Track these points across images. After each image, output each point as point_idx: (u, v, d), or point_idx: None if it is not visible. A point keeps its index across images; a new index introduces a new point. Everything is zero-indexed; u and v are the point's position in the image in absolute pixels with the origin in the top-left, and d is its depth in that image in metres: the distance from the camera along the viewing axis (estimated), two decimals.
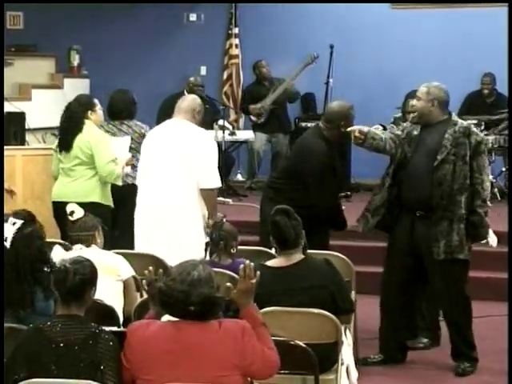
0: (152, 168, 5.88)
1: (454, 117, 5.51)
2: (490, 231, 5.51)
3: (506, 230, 6.84)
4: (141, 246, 5.80)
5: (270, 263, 4.53)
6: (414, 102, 5.66)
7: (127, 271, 4.89)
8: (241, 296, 3.51)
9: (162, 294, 3.33)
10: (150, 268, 3.65)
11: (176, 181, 5.77)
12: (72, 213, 4.99)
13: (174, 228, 5.74)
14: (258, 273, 3.57)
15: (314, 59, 10.27)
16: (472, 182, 5.37)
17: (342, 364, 4.47)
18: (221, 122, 9.98)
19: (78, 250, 4.77)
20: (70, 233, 4.99)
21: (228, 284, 3.55)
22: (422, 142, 5.48)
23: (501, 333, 5.90)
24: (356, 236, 7.82)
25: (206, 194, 5.78)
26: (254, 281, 3.53)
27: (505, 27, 10.30)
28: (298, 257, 4.46)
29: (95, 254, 4.64)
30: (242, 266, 3.56)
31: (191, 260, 3.42)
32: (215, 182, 5.83)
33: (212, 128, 9.81)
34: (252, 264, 3.57)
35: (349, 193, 9.00)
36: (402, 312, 5.66)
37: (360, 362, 5.50)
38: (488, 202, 5.42)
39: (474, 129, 5.53)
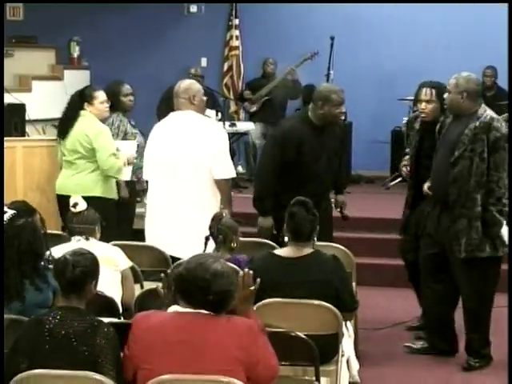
0: (164, 163, 5.79)
1: (482, 109, 5.35)
2: (504, 230, 5.32)
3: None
4: (153, 240, 5.74)
5: (279, 252, 4.53)
6: (444, 95, 5.49)
7: (124, 262, 4.89)
8: (240, 303, 3.51)
9: (182, 281, 3.33)
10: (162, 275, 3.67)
11: (190, 173, 5.73)
12: (75, 205, 4.98)
13: (189, 223, 5.70)
14: (258, 280, 3.60)
15: (313, 55, 10.25)
16: (488, 179, 5.26)
17: (343, 355, 4.46)
18: (208, 112, 9.98)
19: (76, 242, 4.76)
20: (71, 224, 4.97)
21: None
22: (448, 135, 5.43)
23: (498, 324, 5.87)
24: (356, 227, 7.84)
25: (221, 185, 5.75)
26: (252, 288, 3.56)
27: (506, 21, 10.30)
28: (307, 250, 4.46)
29: (93, 245, 4.63)
30: (241, 273, 3.59)
31: (207, 254, 3.43)
32: (230, 172, 5.80)
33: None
34: (251, 272, 3.59)
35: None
36: (441, 299, 5.57)
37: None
38: (504, 200, 5.27)
39: (498, 123, 5.30)
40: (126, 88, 6.99)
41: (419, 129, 5.83)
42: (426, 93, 5.72)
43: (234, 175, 5.91)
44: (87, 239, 4.82)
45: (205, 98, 5.95)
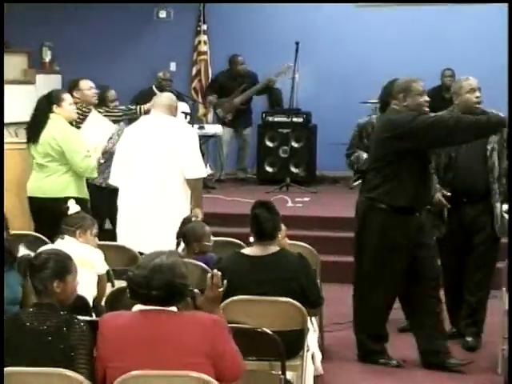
0: (136, 164, 5.83)
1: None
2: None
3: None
4: (126, 239, 5.72)
5: (246, 251, 4.57)
6: (477, 93, 5.56)
7: (103, 266, 4.91)
8: (208, 304, 3.54)
9: (128, 281, 3.37)
10: None
11: (161, 173, 5.74)
12: (67, 208, 5.14)
13: (160, 220, 5.70)
14: (226, 282, 3.64)
15: (288, 68, 10.23)
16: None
17: (308, 350, 4.49)
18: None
19: (56, 242, 4.88)
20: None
21: (196, 290, 3.60)
22: None
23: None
24: (321, 226, 7.87)
25: (192, 184, 5.77)
26: (221, 290, 3.59)
27: (466, 26, 10.43)
28: (273, 248, 4.49)
29: (70, 245, 4.68)
30: (209, 274, 3.61)
31: (160, 250, 3.43)
32: (201, 172, 5.82)
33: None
34: (219, 273, 3.62)
35: None
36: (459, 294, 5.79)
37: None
38: None
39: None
40: (111, 94, 7.30)
41: None
42: (477, 96, 5.61)
43: (205, 175, 5.94)
44: (62, 238, 4.90)
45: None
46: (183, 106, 9.68)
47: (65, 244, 4.74)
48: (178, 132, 5.80)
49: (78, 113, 6.72)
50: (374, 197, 5.28)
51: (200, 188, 5.90)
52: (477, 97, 5.57)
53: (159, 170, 5.75)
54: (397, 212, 5.21)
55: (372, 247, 5.32)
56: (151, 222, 5.75)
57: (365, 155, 5.91)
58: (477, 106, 5.58)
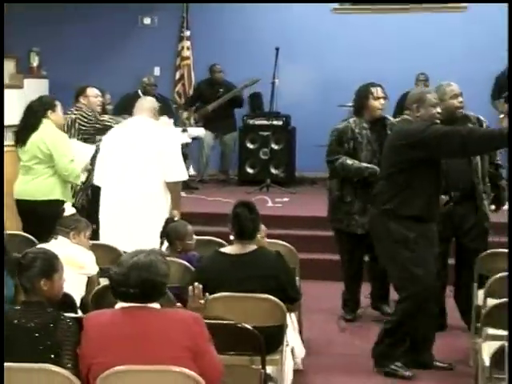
0: (120, 164, 5.85)
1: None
2: None
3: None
4: (107, 240, 5.76)
5: (225, 250, 4.60)
6: (460, 98, 5.60)
7: (93, 267, 4.93)
8: None
9: (109, 279, 3.42)
10: None
11: (144, 175, 5.77)
12: (63, 210, 5.18)
13: (142, 221, 5.73)
14: (208, 295, 3.73)
15: (255, 82, 10.29)
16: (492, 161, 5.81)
17: (287, 345, 4.53)
18: (162, 118, 9.99)
19: (50, 242, 4.91)
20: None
21: (178, 304, 3.67)
22: None
23: None
24: (300, 225, 7.91)
25: (172, 187, 5.81)
26: (202, 301, 3.66)
27: (440, 31, 10.50)
28: (252, 247, 4.53)
29: (61, 245, 4.74)
30: (190, 287, 3.68)
31: (140, 249, 3.46)
32: (182, 175, 5.85)
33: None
34: (201, 286, 3.69)
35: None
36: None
37: None
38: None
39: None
40: (107, 98, 7.77)
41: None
42: (461, 101, 5.56)
43: (186, 178, 5.96)
44: (56, 238, 4.94)
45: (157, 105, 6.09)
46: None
47: (57, 244, 4.78)
48: (160, 135, 5.83)
49: (82, 116, 6.87)
50: (391, 208, 5.10)
51: (179, 190, 5.94)
52: (460, 102, 5.60)
53: (142, 172, 5.77)
54: (415, 220, 5.04)
55: (401, 257, 5.08)
56: (134, 224, 5.76)
57: (348, 161, 5.97)
58: (459, 110, 5.61)
